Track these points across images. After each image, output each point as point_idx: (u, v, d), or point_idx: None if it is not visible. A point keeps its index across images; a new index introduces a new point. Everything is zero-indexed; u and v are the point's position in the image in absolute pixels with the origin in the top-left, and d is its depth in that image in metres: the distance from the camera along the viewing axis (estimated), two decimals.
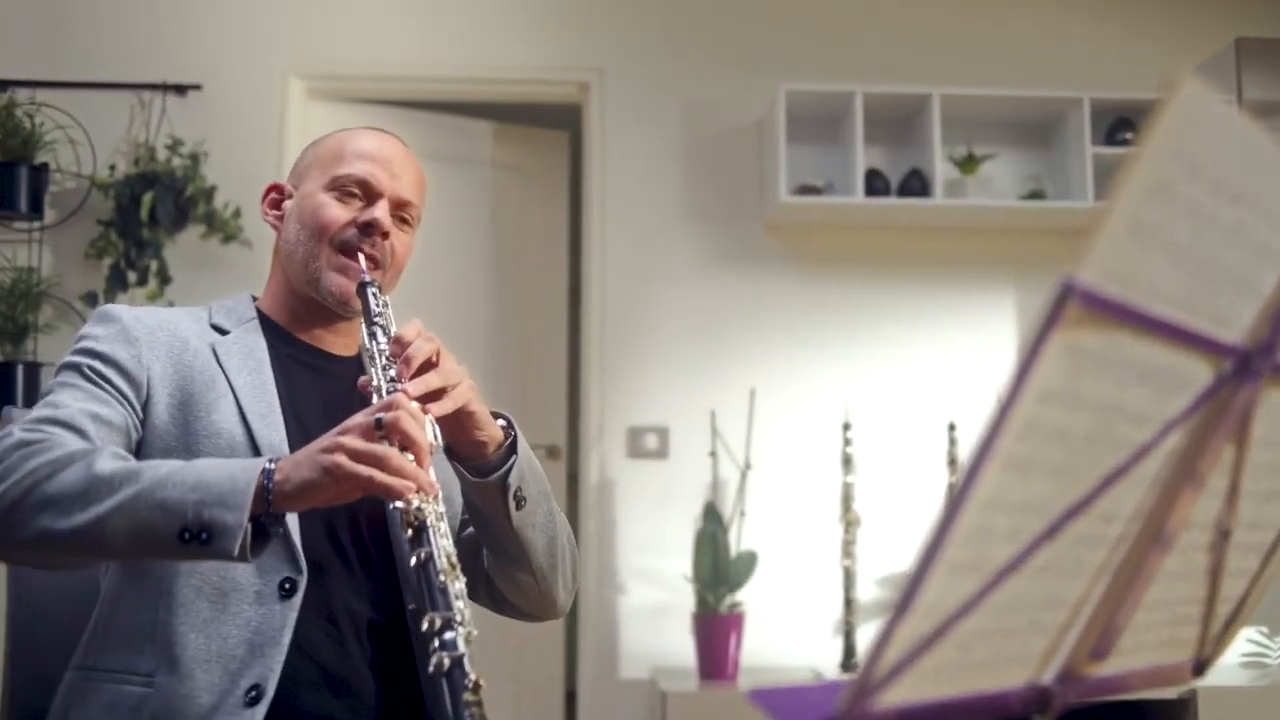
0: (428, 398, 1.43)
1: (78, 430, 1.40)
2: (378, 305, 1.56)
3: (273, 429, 1.52)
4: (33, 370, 3.73)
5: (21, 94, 3.85)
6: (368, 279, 1.58)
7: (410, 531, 1.30)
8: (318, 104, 4.09)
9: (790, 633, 3.87)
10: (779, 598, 3.85)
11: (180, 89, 3.93)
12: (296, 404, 1.59)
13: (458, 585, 1.28)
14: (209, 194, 3.81)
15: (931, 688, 0.69)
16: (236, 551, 1.25)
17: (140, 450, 1.49)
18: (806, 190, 3.90)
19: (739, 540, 3.71)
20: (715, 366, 3.99)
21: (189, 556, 1.30)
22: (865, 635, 3.72)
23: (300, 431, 1.54)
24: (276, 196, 1.71)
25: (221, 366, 1.56)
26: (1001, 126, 4.11)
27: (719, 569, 3.64)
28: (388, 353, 1.49)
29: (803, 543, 3.90)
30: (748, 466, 3.83)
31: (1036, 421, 0.64)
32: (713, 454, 3.88)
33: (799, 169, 3.97)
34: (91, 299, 3.78)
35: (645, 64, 4.13)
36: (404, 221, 1.68)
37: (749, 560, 3.69)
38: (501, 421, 1.57)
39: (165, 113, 3.91)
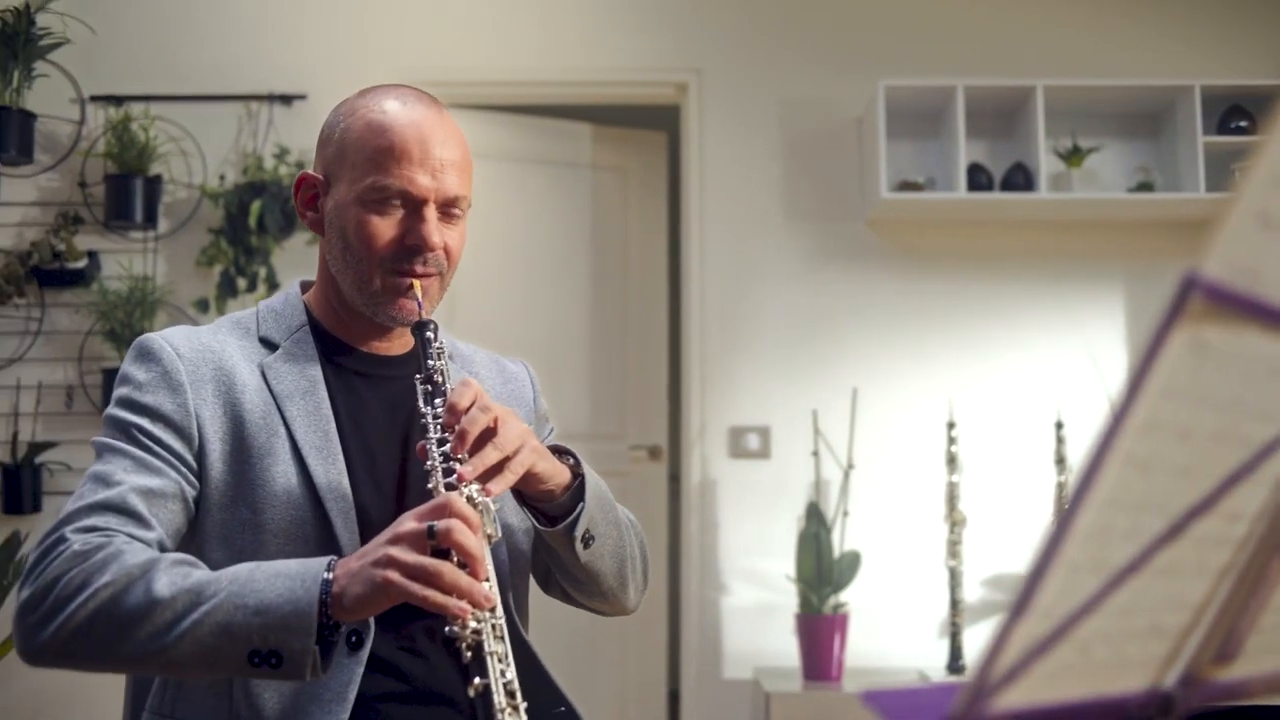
0: (486, 475, 1.37)
1: (133, 515, 1.37)
2: (432, 353, 1.48)
3: (330, 463, 1.48)
4: None
5: (136, 108, 3.97)
6: (424, 319, 1.51)
7: (469, 655, 1.28)
8: None
9: (895, 634, 3.83)
10: (883, 598, 3.82)
11: (286, 99, 4.01)
12: (357, 418, 1.55)
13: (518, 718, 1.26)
14: None
15: (1049, 690, 0.68)
16: (308, 675, 1.26)
17: (199, 505, 1.46)
18: (908, 186, 3.86)
19: (842, 540, 3.69)
20: (817, 365, 3.97)
21: (262, 676, 1.29)
22: (971, 637, 3.67)
23: (361, 452, 1.52)
24: (311, 192, 1.60)
25: (273, 394, 1.50)
26: (1108, 117, 4.02)
27: (822, 569, 3.62)
28: (443, 420, 1.40)
29: (907, 543, 3.86)
30: (850, 466, 3.79)
31: (1158, 418, 0.63)
32: (815, 453, 3.85)
33: (900, 165, 3.93)
34: (203, 305, 3.88)
35: (743, 63, 4.11)
36: (453, 216, 1.56)
37: (853, 560, 3.67)
38: (569, 459, 1.53)
39: (272, 122, 4.00)
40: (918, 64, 4.03)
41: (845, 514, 3.73)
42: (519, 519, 1.58)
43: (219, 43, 4.07)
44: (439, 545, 1.26)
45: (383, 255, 1.51)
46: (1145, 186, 3.88)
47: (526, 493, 1.49)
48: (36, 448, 3.82)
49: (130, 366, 1.50)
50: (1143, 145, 4.03)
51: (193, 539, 1.47)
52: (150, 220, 3.93)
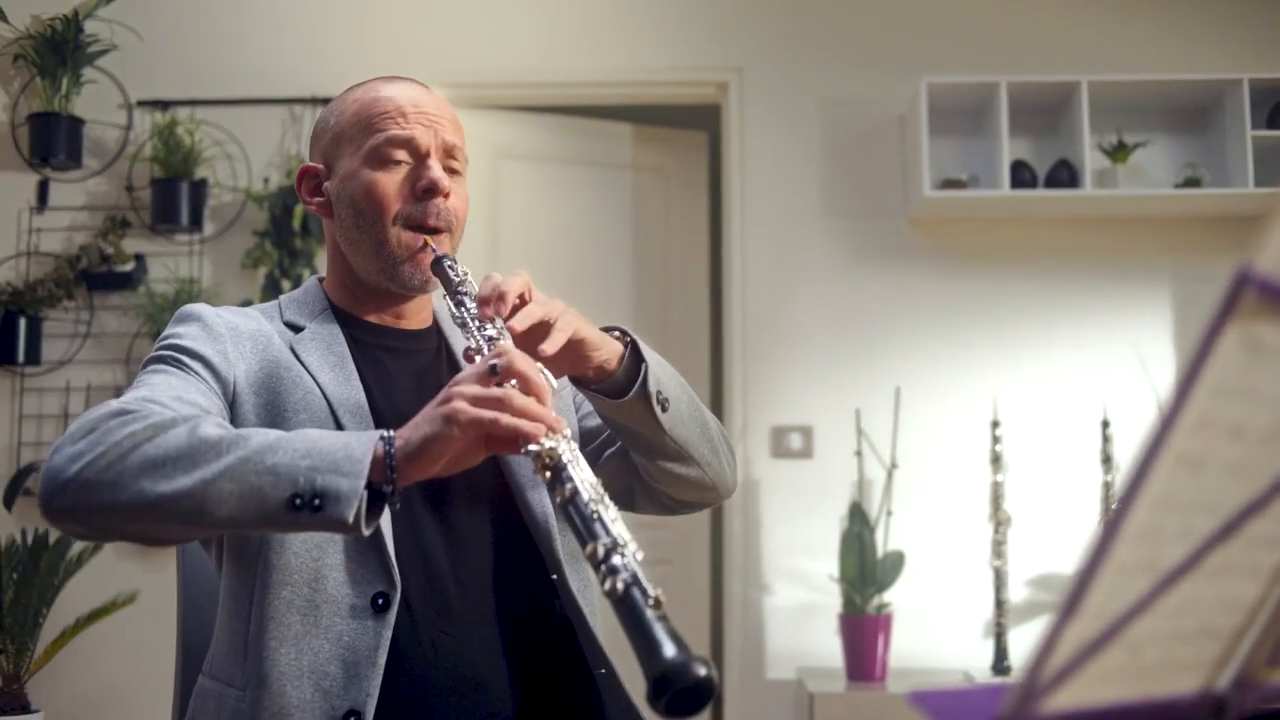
0: (533, 332, 1.35)
1: (171, 409, 1.33)
2: (457, 275, 1.50)
3: (363, 425, 1.47)
4: None
5: (182, 113, 4.01)
6: (439, 254, 1.52)
7: (548, 474, 1.20)
8: (461, 112, 4.16)
9: (939, 634, 3.81)
10: (927, 598, 3.79)
11: (328, 102, 4.03)
12: (385, 389, 1.55)
13: (610, 512, 1.17)
14: None
15: (1100, 692, 0.67)
16: (350, 518, 1.18)
17: None
18: (951, 184, 3.83)
19: (886, 540, 3.67)
20: (859, 364, 3.95)
21: (299, 526, 1.21)
22: (1016, 637, 3.64)
23: (393, 418, 1.49)
24: (313, 182, 1.62)
25: (304, 365, 1.51)
26: (1153, 112, 3.98)
27: (866, 569, 3.60)
28: (478, 316, 1.39)
29: (951, 542, 3.83)
30: (894, 465, 3.77)
31: (1210, 417, 0.62)
32: (858, 453, 3.83)
33: (942, 163, 3.91)
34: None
35: (784, 62, 4.10)
36: (454, 171, 1.58)
37: (896, 560, 3.65)
38: (615, 333, 1.50)
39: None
40: (960, 61, 4.01)
41: (889, 514, 3.71)
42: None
43: (262, 47, 4.10)
44: (501, 381, 1.23)
45: (396, 209, 1.53)
46: (1192, 182, 3.84)
47: (584, 375, 1.47)
48: None
49: (172, 327, 1.53)
50: (1190, 140, 3.98)
51: None
52: (196, 223, 3.97)
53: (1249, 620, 0.73)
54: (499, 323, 1.36)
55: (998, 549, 3.60)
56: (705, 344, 4.58)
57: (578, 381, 1.50)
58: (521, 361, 1.24)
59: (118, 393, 3.91)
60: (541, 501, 1.54)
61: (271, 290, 3.88)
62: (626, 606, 1.09)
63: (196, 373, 1.44)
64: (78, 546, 3.55)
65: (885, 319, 3.98)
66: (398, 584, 1.41)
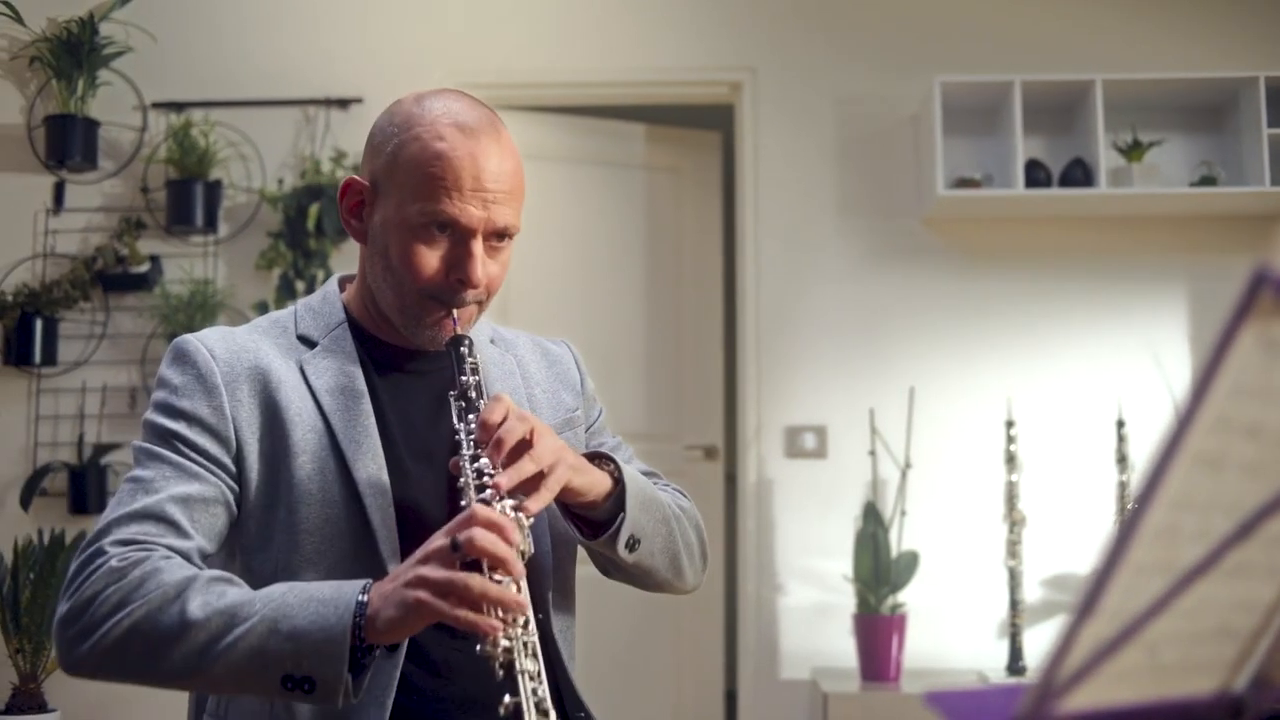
0: (522, 488, 1.35)
1: (171, 524, 1.37)
2: (466, 369, 1.46)
3: (370, 458, 1.46)
4: None
5: (196, 114, 4.02)
6: (459, 335, 1.49)
7: (501, 672, 1.26)
8: None
9: (953, 634, 3.80)
10: (942, 599, 3.79)
11: (343, 103, 4.05)
12: (403, 412, 1.54)
13: None
14: None
15: (1117, 692, 0.67)
16: (341, 702, 1.27)
17: (240, 506, 1.45)
18: (964, 184, 3.82)
19: (900, 540, 3.66)
20: (873, 364, 3.94)
21: (295, 700, 1.30)
22: (1031, 638, 3.63)
23: (411, 445, 1.50)
24: (357, 199, 1.55)
25: (311, 389, 1.49)
26: (1169, 110, 3.96)
27: (880, 569, 3.60)
28: (476, 436, 1.38)
29: (966, 543, 3.83)
30: (908, 465, 3.77)
31: (1227, 416, 0.62)
32: (872, 453, 3.83)
33: (956, 162, 3.90)
34: (263, 308, 3.92)
35: (797, 61, 4.10)
36: (500, 246, 1.52)
37: (910, 560, 3.64)
38: (610, 466, 1.51)
39: (329, 126, 4.04)
40: (974, 59, 4.00)
41: (903, 514, 3.70)
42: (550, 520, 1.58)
43: (276, 49, 4.11)
44: (465, 557, 1.25)
45: (423, 285, 1.48)
46: (1208, 181, 3.82)
47: (568, 504, 1.48)
48: (101, 449, 3.89)
49: (166, 370, 1.49)
50: (1205, 138, 3.97)
51: (233, 543, 1.47)
52: (211, 224, 3.99)
53: (1266, 621, 0.73)
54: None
55: (1012, 549, 3.59)
56: (719, 344, 4.57)
57: (560, 506, 1.51)
58: (482, 538, 1.25)
59: (132, 394, 3.93)
60: (540, 539, 1.55)
61: (286, 291, 3.89)
62: None
63: (193, 446, 1.43)
64: None
65: (899, 318, 3.97)
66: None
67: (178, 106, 4.05)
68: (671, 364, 4.47)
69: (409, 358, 1.58)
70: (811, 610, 3.87)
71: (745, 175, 4.10)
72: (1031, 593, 3.73)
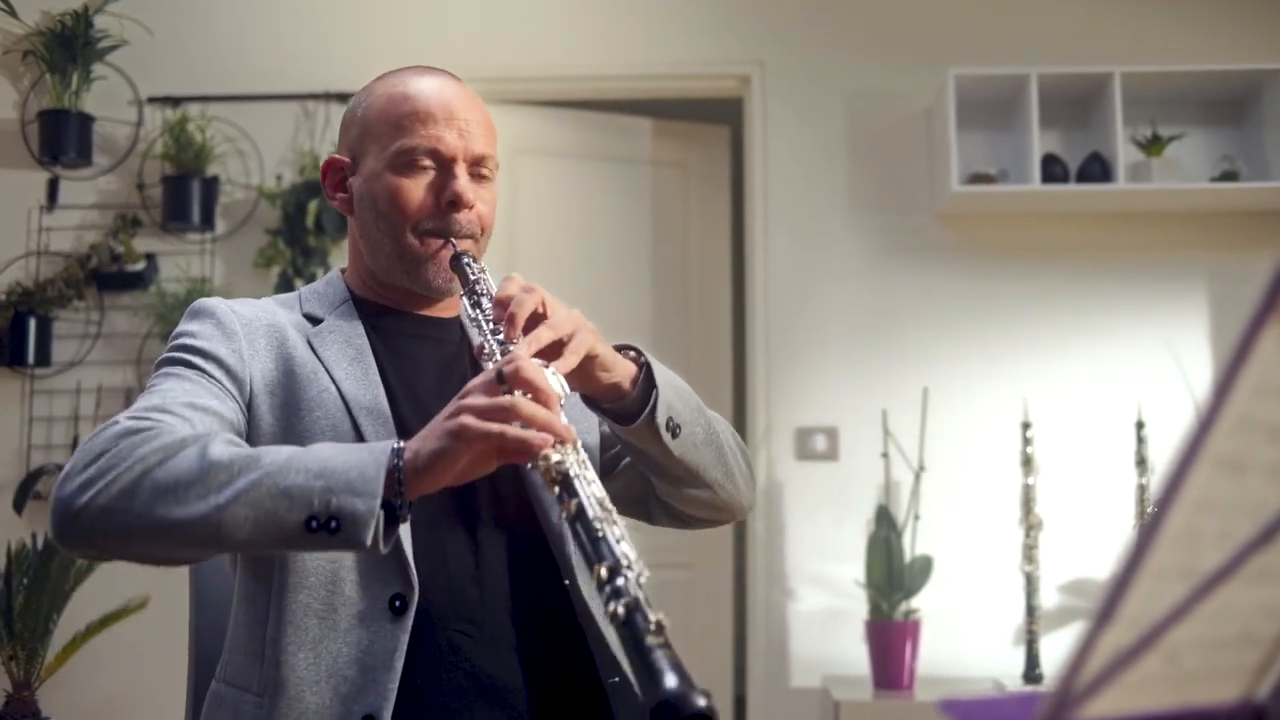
0: (544, 354, 1.34)
1: (185, 420, 1.35)
2: (474, 273, 1.50)
3: (380, 424, 1.48)
4: None
5: (193, 109, 4.03)
6: (459, 250, 1.53)
7: (556, 488, 1.21)
8: None
9: (968, 641, 3.80)
10: (956, 604, 3.78)
11: (342, 97, 4.05)
12: (409, 380, 1.56)
13: (616, 530, 1.17)
14: None
15: (1136, 700, 0.66)
16: (369, 540, 1.21)
17: None
18: (979, 179, 3.82)
19: (913, 544, 3.66)
20: (886, 364, 3.94)
21: (317, 546, 1.25)
22: (1049, 645, 3.62)
23: (414, 412, 1.50)
24: (338, 176, 1.62)
25: (320, 359, 1.52)
26: (1189, 104, 3.96)
27: (893, 574, 3.59)
28: (493, 317, 1.41)
29: (981, 547, 3.82)
30: (922, 468, 3.76)
31: (1250, 417, 0.61)
32: (884, 455, 3.82)
33: (971, 157, 3.89)
34: None
35: (807, 54, 4.10)
36: (483, 177, 1.57)
37: (924, 565, 3.64)
38: (631, 353, 1.50)
39: (328, 121, 4.05)
40: (988, 52, 3.99)
41: (916, 517, 3.70)
42: (588, 451, 1.55)
43: (275, 43, 4.12)
44: (509, 388, 1.24)
45: (418, 217, 1.53)
46: (1230, 176, 3.81)
47: (593, 390, 1.47)
48: None
49: (184, 324, 1.53)
50: (1227, 132, 3.96)
51: None
52: (208, 222, 3.99)
53: None
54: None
55: (1029, 553, 3.59)
56: (727, 343, 4.57)
57: (589, 401, 1.50)
58: (529, 368, 1.25)
59: (128, 395, 3.93)
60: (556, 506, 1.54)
61: (284, 289, 3.89)
62: (628, 632, 1.08)
63: (210, 374, 1.45)
64: None
65: (912, 317, 3.97)
66: (415, 586, 1.41)
67: (174, 101, 4.05)
68: (678, 364, 4.42)
69: (415, 324, 1.61)
70: (822, 616, 3.87)
71: (754, 171, 4.10)
72: (1049, 598, 3.72)
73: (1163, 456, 3.60)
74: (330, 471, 1.22)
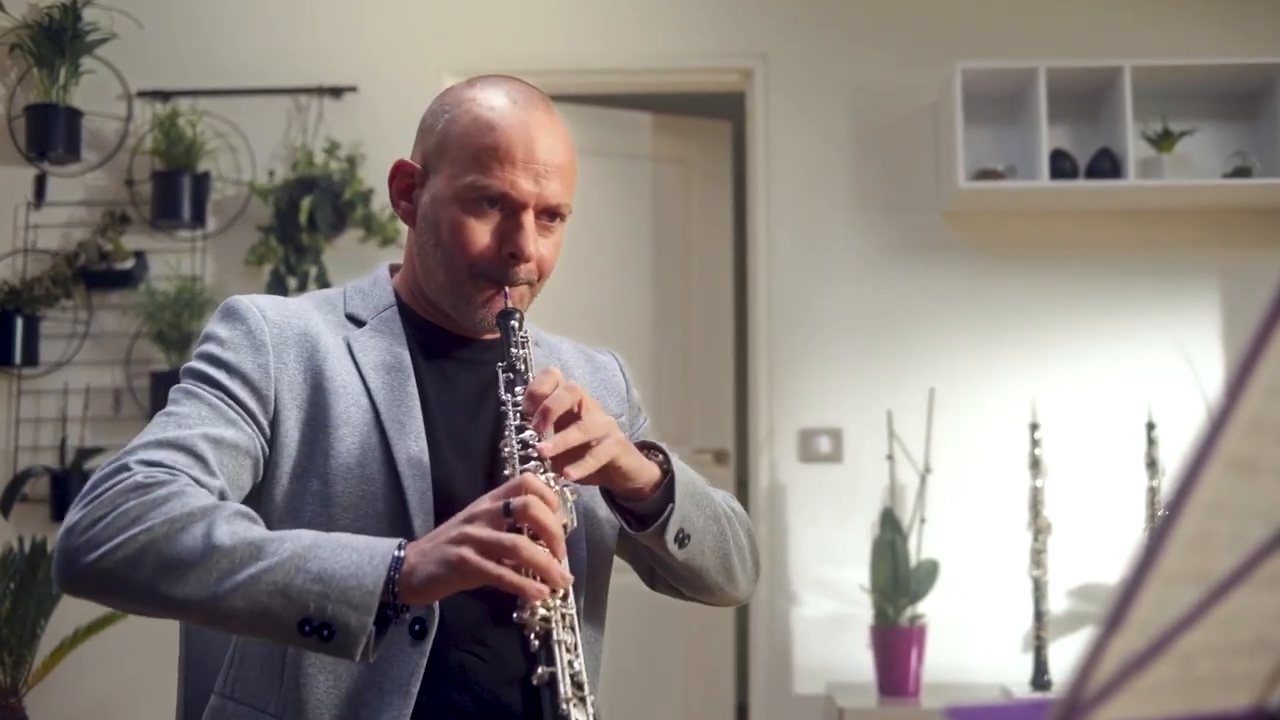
0: (567, 457, 1.35)
1: (200, 459, 1.37)
2: (516, 341, 1.49)
3: (412, 439, 1.48)
4: None
5: (183, 104, 4.03)
6: (509, 308, 1.51)
7: (536, 642, 1.27)
8: None
9: (975, 647, 3.80)
10: (963, 610, 3.78)
11: (336, 91, 4.05)
12: (445, 402, 1.55)
13: (581, 714, 1.24)
14: (366, 197, 3.92)
15: (1147, 708, 0.66)
16: (358, 656, 1.25)
17: (269, 474, 1.47)
18: (987, 175, 3.82)
19: (919, 549, 3.66)
20: (891, 364, 3.94)
21: (307, 647, 1.28)
22: (1057, 651, 3.62)
23: (449, 435, 1.51)
24: (407, 181, 1.60)
25: (357, 365, 1.51)
26: (1201, 98, 3.96)
27: (898, 579, 3.59)
28: (523, 408, 1.40)
29: (988, 551, 3.82)
30: (928, 470, 3.76)
31: (1264, 417, 0.61)
32: (890, 457, 3.82)
33: (978, 153, 3.89)
34: None
35: (811, 48, 4.10)
36: (551, 225, 1.57)
37: (930, 570, 3.64)
38: (659, 456, 1.51)
39: (322, 116, 4.04)
40: (996, 45, 3.99)
41: (922, 521, 3.70)
42: (605, 510, 1.56)
43: (267, 35, 4.12)
44: (515, 523, 1.25)
45: (474, 260, 1.51)
46: (1242, 172, 3.82)
47: (615, 492, 1.48)
48: (84, 453, 3.89)
49: (215, 325, 1.52)
50: (1239, 127, 3.96)
51: (258, 508, 1.47)
52: (198, 218, 3.99)
53: None
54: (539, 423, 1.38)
55: (1037, 558, 3.59)
56: (729, 343, 4.57)
57: (605, 493, 1.51)
58: (536, 507, 1.26)
59: (117, 396, 3.94)
60: (575, 546, 1.54)
61: (277, 288, 3.89)
62: None
63: (233, 394, 1.45)
64: None
65: (918, 317, 3.97)
66: (436, 611, 1.43)
67: (164, 95, 4.05)
68: (679, 364, 4.47)
69: (457, 344, 1.60)
70: (827, 621, 3.87)
71: (756, 167, 4.10)
72: (1057, 604, 3.72)
73: (1174, 458, 3.60)
74: (329, 577, 1.24)
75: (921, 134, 4.04)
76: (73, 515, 1.30)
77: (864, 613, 3.70)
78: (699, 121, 4.64)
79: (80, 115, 4.02)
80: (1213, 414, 0.61)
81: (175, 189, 3.94)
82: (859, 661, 3.73)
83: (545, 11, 4.15)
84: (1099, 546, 3.75)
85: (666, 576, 1.61)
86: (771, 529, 3.93)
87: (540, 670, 1.25)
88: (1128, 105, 3.72)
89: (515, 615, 1.26)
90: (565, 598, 1.29)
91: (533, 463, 1.35)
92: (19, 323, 3.93)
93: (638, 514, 1.51)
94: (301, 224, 3.89)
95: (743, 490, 4.36)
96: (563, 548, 1.29)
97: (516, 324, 1.50)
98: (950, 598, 3.74)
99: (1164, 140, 3.84)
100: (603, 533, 1.59)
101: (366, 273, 1.67)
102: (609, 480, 1.44)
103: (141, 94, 4.08)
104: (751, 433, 4.06)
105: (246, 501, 1.45)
